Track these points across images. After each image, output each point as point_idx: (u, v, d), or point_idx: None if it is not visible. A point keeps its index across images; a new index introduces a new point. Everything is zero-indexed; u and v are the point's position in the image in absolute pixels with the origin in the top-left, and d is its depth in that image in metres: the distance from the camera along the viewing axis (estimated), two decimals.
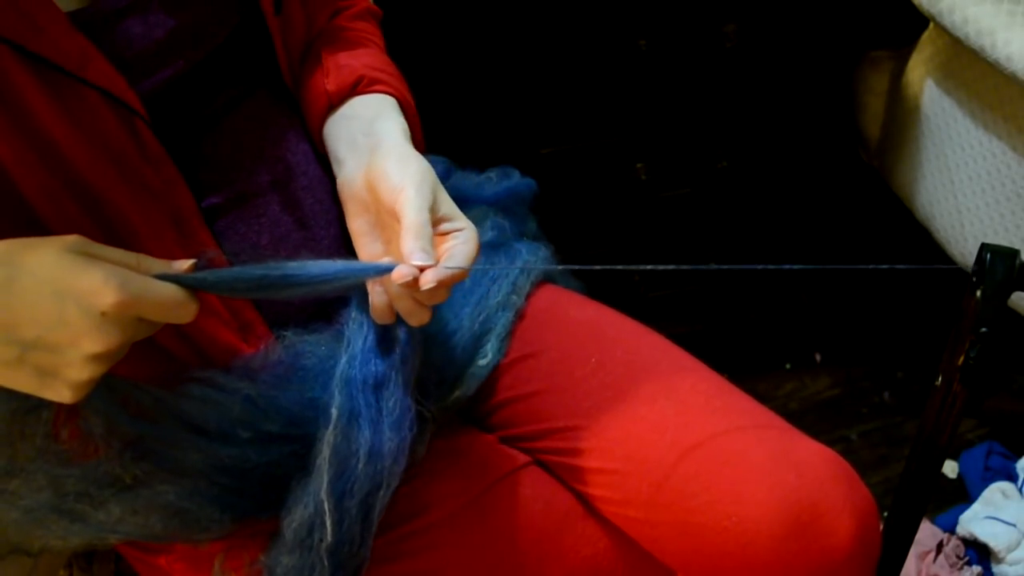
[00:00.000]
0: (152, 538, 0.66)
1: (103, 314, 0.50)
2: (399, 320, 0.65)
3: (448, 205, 0.62)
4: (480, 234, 0.63)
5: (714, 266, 0.54)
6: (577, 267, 0.62)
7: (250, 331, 0.66)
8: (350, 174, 0.66)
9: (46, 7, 0.54)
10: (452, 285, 0.59)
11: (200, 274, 0.57)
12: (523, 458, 0.76)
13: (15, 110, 0.53)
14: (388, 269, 0.58)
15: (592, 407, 0.73)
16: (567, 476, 0.74)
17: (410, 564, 0.69)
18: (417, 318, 0.62)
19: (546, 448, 0.75)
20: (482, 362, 0.77)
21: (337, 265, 0.59)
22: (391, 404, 0.65)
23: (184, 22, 0.62)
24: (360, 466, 0.63)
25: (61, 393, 0.53)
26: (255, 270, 0.58)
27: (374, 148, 0.65)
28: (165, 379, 0.63)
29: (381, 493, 0.65)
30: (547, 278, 0.85)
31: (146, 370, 0.62)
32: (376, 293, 0.63)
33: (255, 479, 0.65)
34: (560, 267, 0.60)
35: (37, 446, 0.59)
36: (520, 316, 0.80)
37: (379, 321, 0.64)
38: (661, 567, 0.73)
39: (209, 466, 0.63)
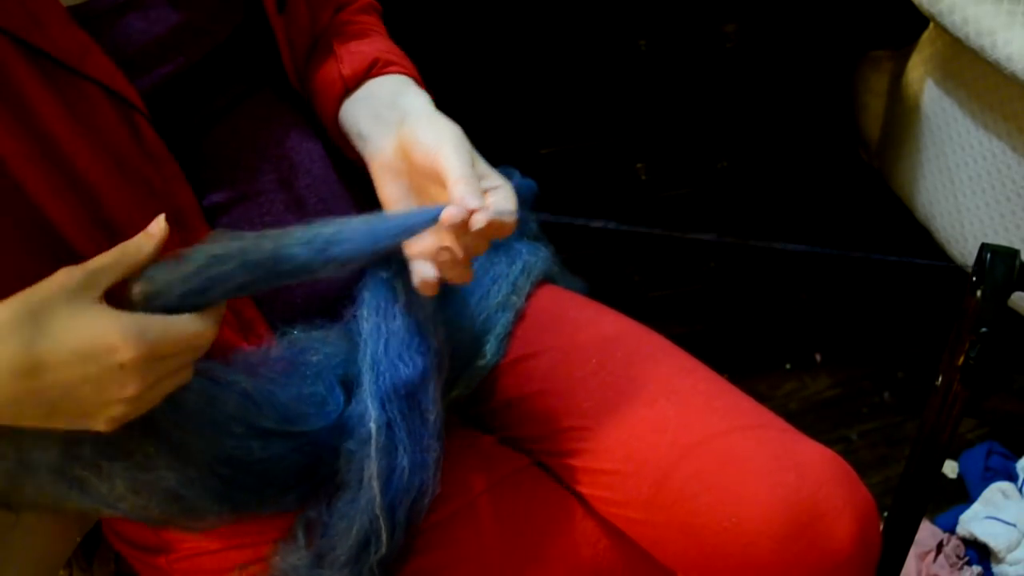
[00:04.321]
0: (148, 520, 0.66)
1: (122, 366, 0.50)
2: (429, 325, 0.66)
3: (482, 164, 0.61)
4: None
5: (694, 236, 0.53)
6: (570, 220, 0.60)
7: (250, 330, 0.66)
8: (377, 144, 0.65)
9: (47, 1, 0.54)
10: (494, 238, 0.58)
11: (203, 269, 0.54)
12: (523, 459, 0.76)
13: (15, 103, 0.53)
14: (439, 212, 0.56)
15: (592, 408, 0.72)
16: (567, 477, 0.74)
17: (409, 563, 0.69)
18: (459, 274, 0.61)
19: (546, 449, 0.75)
20: (480, 362, 0.77)
21: (387, 219, 0.58)
22: (432, 418, 0.65)
23: (186, 19, 0.62)
24: (406, 476, 0.64)
25: (98, 427, 0.53)
26: (265, 251, 0.54)
27: (401, 119, 0.64)
28: None
29: (426, 500, 0.66)
30: (548, 279, 0.86)
31: None
32: (419, 263, 0.61)
33: (255, 473, 0.64)
34: (581, 221, 0.59)
35: None
36: (520, 317, 0.80)
37: (423, 292, 0.62)
38: (661, 568, 0.72)
39: (211, 456, 0.62)
